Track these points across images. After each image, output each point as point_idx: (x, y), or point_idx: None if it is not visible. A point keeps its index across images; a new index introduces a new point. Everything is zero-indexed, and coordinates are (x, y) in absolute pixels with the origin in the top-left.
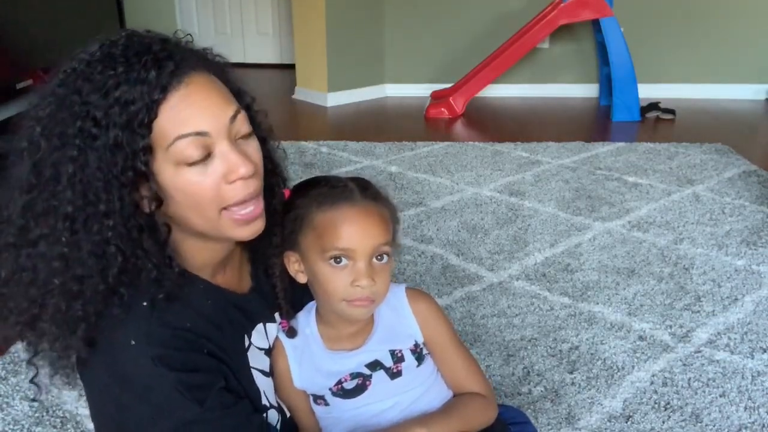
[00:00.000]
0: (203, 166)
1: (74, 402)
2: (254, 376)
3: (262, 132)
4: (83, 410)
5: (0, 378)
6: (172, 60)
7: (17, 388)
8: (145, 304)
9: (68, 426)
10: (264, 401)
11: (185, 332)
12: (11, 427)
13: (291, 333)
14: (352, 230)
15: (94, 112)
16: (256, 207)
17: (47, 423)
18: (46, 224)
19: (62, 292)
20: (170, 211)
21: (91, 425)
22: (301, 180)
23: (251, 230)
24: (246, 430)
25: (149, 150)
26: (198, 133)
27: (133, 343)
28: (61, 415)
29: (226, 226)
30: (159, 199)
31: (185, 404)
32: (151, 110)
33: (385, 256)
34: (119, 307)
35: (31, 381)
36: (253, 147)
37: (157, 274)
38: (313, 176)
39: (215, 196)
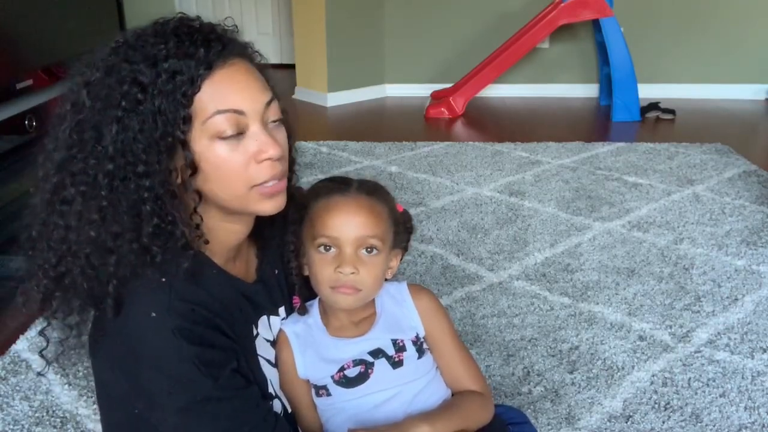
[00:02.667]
0: (235, 143)
1: (74, 402)
2: (261, 365)
3: (288, 126)
4: (83, 410)
5: (0, 378)
6: (220, 42)
7: (17, 388)
8: (163, 279)
9: (68, 426)
10: (270, 389)
11: (202, 309)
12: (11, 427)
13: (302, 310)
14: (338, 219)
15: (141, 78)
16: (281, 183)
17: (47, 423)
18: (83, 182)
19: (97, 246)
20: (200, 184)
21: (91, 425)
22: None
23: (275, 204)
24: (254, 414)
25: (189, 120)
26: (235, 111)
27: (153, 315)
28: (61, 415)
29: (253, 200)
30: (193, 168)
31: (201, 379)
32: (195, 83)
33: (374, 249)
34: (152, 267)
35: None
36: (282, 134)
37: (185, 242)
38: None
39: (244, 173)
